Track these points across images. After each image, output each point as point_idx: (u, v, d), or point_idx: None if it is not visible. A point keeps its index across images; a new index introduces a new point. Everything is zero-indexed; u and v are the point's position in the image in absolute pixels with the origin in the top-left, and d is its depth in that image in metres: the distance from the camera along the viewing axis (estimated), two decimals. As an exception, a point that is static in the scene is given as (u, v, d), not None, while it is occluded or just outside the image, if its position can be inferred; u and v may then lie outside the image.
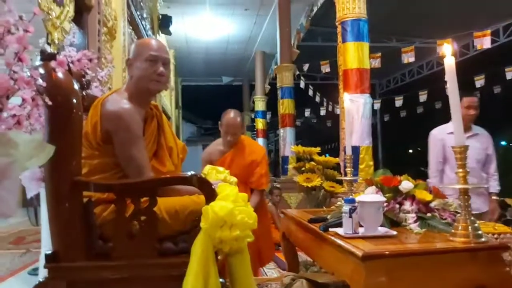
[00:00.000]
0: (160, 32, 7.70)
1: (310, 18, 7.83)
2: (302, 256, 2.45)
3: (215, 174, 1.96)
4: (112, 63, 3.73)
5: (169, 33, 7.80)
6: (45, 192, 1.31)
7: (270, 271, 3.53)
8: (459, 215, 1.31)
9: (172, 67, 10.27)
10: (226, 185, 1.43)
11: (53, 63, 1.03)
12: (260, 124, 11.32)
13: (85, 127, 1.50)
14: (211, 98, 15.03)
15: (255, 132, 12.03)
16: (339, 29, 4.47)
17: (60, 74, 1.30)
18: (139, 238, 1.34)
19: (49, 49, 1.62)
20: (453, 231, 1.29)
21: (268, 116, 12.12)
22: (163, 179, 1.44)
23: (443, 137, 2.91)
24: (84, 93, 1.84)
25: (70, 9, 2.06)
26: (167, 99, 9.53)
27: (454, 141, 1.30)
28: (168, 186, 1.45)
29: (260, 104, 11.39)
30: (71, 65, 1.34)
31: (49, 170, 1.28)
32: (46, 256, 1.28)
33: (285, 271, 2.43)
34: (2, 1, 0.99)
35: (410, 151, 19.73)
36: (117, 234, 1.35)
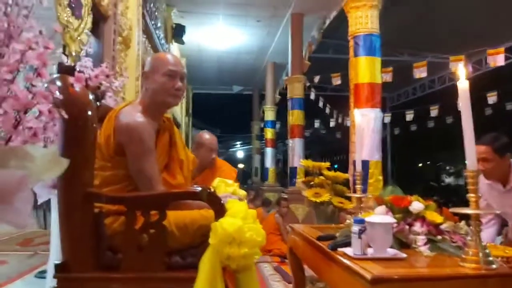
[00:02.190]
0: (173, 41, 7.79)
1: (322, 31, 7.87)
2: (308, 271, 2.43)
3: (224, 187, 1.97)
4: (126, 72, 3.79)
5: (182, 42, 7.90)
6: (57, 202, 1.33)
7: (276, 283, 3.50)
8: (469, 238, 1.30)
9: (184, 75, 10.39)
10: (235, 201, 1.44)
11: (71, 79, 1.06)
12: (269, 133, 11.35)
13: (99, 138, 1.52)
14: (221, 106, 15.10)
15: (263, 142, 12.04)
16: (351, 43, 4.48)
17: (76, 88, 1.33)
18: (148, 250, 1.35)
19: (66, 61, 1.66)
20: (463, 256, 1.27)
21: (278, 126, 12.14)
22: (173, 193, 1.46)
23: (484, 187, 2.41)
24: (98, 104, 1.88)
25: (88, 21, 2.11)
26: (178, 107, 9.60)
27: (468, 165, 1.29)
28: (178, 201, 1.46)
29: (269, 114, 11.43)
30: (89, 82, 1.36)
31: (62, 181, 1.30)
32: (56, 265, 1.29)
33: (291, 285, 2.41)
34: (24, 16, 1.02)
35: (420, 165, 19.55)
36: (127, 246, 1.36)
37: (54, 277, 1.28)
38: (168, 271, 1.35)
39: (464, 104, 1.31)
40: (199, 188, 1.36)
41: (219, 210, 1.33)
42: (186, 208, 1.48)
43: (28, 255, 4.21)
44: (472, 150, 1.30)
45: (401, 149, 14.82)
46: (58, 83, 1.29)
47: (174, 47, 8.34)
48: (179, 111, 9.93)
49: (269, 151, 11.31)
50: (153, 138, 1.54)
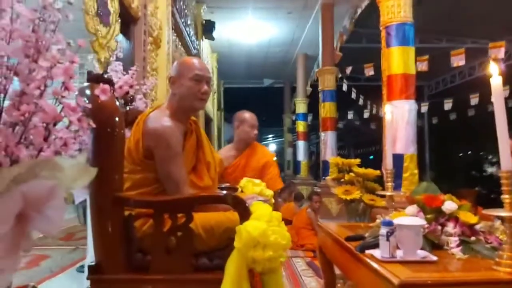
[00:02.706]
0: (203, 38, 7.86)
1: (353, 20, 7.67)
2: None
3: (251, 187, 1.98)
4: (156, 71, 3.87)
5: (212, 38, 7.95)
6: (89, 206, 1.38)
7: (308, 279, 3.50)
8: (504, 243, 1.24)
9: (214, 70, 10.48)
10: (260, 203, 1.44)
11: (96, 91, 1.09)
12: (301, 126, 11.26)
13: (128, 143, 1.57)
14: (253, 100, 15.13)
15: (295, 135, 11.97)
16: (383, 33, 4.34)
17: (104, 96, 1.37)
18: (176, 253, 1.38)
19: (96, 68, 1.71)
20: (497, 259, 1.22)
21: (309, 118, 12.03)
22: (199, 197, 1.48)
23: None
24: (127, 108, 1.94)
25: (116, 27, 2.17)
26: (209, 102, 9.72)
27: (502, 166, 1.23)
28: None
29: (301, 107, 11.33)
30: (118, 94, 1.41)
31: (92, 187, 1.35)
32: (89, 267, 1.35)
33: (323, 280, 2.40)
34: (52, 31, 1.06)
35: (460, 154, 18.78)
36: (155, 248, 1.40)
37: (87, 278, 1.34)
38: (195, 272, 1.38)
39: (498, 102, 1.24)
40: (224, 192, 1.38)
41: (244, 213, 1.34)
42: (213, 209, 1.50)
43: (70, 249, 4.41)
44: (506, 149, 1.23)
45: (440, 139, 14.29)
46: (87, 91, 1.34)
47: (205, 43, 8.41)
48: (211, 105, 10.04)
49: (301, 144, 11.23)
50: (180, 142, 1.57)
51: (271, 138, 20.37)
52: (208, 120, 9.41)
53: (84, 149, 1.23)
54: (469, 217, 1.53)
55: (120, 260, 1.36)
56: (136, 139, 1.56)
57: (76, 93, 1.15)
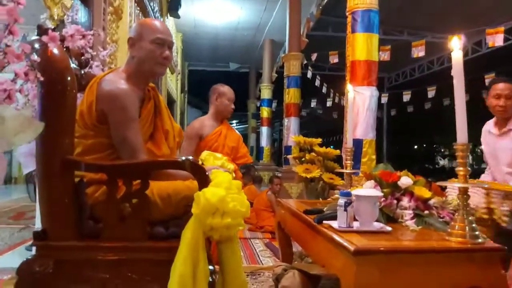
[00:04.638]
0: (168, 15, 7.62)
1: (321, 7, 7.70)
2: (297, 246, 2.44)
3: (212, 160, 1.93)
4: (117, 43, 3.70)
5: (177, 16, 7.72)
6: (36, 169, 1.29)
7: (266, 259, 3.52)
8: (457, 214, 1.28)
9: (179, 50, 10.22)
10: (219, 171, 1.41)
11: (44, 38, 1.00)
12: (265, 112, 11.28)
13: (81, 106, 1.48)
14: (218, 83, 14.94)
15: (259, 121, 11.98)
16: (349, 19, 4.37)
17: (55, 50, 1.27)
18: (130, 220, 1.33)
19: (49, 25, 1.59)
20: (449, 230, 1.26)
21: (274, 105, 12.06)
22: (155, 162, 1.42)
23: (484, 135, 2.62)
24: (82, 72, 1.82)
25: (72, -16, 2.03)
26: (173, 83, 9.49)
27: (458, 138, 1.26)
28: (161, 170, 1.43)
29: (266, 92, 11.34)
30: (70, 44, 1.30)
31: (40, 147, 1.26)
32: (35, 233, 1.27)
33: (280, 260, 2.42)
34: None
35: (416, 147, 19.60)
36: (108, 216, 1.33)
37: (32, 244, 1.26)
38: (150, 241, 1.33)
39: (457, 74, 1.27)
40: (182, 157, 1.33)
41: (203, 180, 1.30)
42: (170, 178, 1.45)
43: (20, 228, 4.22)
44: (463, 122, 1.27)
45: (397, 130, 14.81)
46: (36, 45, 1.24)
47: (170, 21, 8.16)
48: (174, 87, 9.81)
49: (264, 130, 11.27)
50: (136, 106, 1.50)
51: (235, 124, 20.29)
52: (171, 102, 9.19)
53: (30, 104, 1.14)
54: (423, 192, 1.57)
55: (68, 227, 1.28)
56: (89, 101, 1.47)
57: (23, 41, 1.06)
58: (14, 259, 2.98)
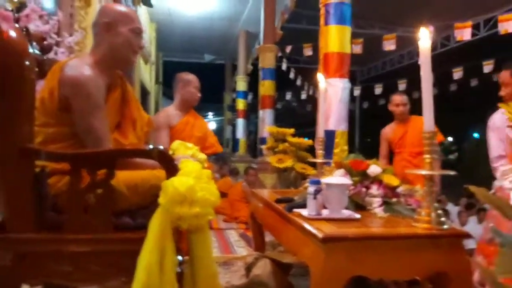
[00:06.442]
0: (141, 3, 7.41)
1: (295, 0, 7.69)
2: (271, 236, 2.44)
3: (183, 149, 1.90)
4: (86, 30, 3.57)
5: (150, 5, 7.50)
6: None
7: (240, 249, 3.52)
8: (423, 201, 1.30)
9: (153, 41, 10.00)
10: (189, 160, 1.38)
11: (-4, 16, 0.94)
12: (241, 104, 11.22)
13: (42, 92, 1.41)
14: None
15: (235, 113, 11.92)
16: (322, 11, 4.39)
17: (12, 33, 1.21)
18: (95, 211, 1.28)
19: (8, 7, 1.50)
20: (416, 216, 1.28)
21: (250, 97, 12.02)
22: (121, 150, 1.38)
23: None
24: (45, 57, 1.74)
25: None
26: (146, 74, 9.29)
27: (425, 127, 1.28)
28: (128, 159, 1.38)
29: (241, 84, 11.27)
30: (25, 24, 1.23)
31: (-4, 136, 1.19)
32: (-8, 225, 1.20)
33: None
34: None
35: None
36: (71, 206, 1.28)
37: (-12, 236, 1.20)
38: (116, 232, 1.29)
39: (425, 63, 1.28)
40: (150, 146, 1.29)
41: (171, 169, 1.27)
42: (138, 167, 1.40)
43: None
44: (430, 111, 1.28)
45: (369, 123, 15.06)
46: (-9, 27, 1.17)
47: (143, 10, 7.96)
48: (148, 78, 9.61)
49: (240, 122, 11.22)
50: (102, 93, 1.44)
51: (211, 116, 20.11)
52: (144, 93, 9.00)
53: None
54: (392, 180, 1.59)
55: (28, 218, 1.22)
56: (51, 87, 1.39)
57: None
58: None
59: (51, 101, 1.39)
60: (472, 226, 5.26)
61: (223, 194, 5.15)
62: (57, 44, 2.09)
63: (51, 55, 2.07)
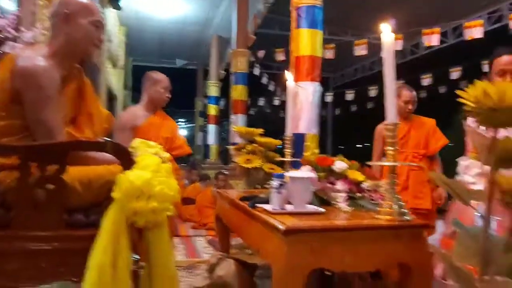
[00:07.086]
0: (108, 5, 7.26)
1: (267, 5, 7.74)
2: (238, 239, 2.39)
3: (145, 148, 1.83)
4: (46, 29, 3.44)
5: (118, 8, 7.37)
6: None
7: (207, 255, 3.45)
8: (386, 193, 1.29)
9: (122, 45, 9.80)
10: (147, 154, 1.32)
11: None
12: (212, 110, 11.11)
13: (-9, 84, 1.33)
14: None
15: (206, 119, 11.81)
16: (293, 14, 4.41)
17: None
18: (45, 207, 1.20)
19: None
20: (378, 209, 1.27)
21: (222, 103, 11.95)
22: (73, 142, 1.31)
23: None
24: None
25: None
26: (114, 78, 9.08)
27: (387, 119, 1.28)
28: (81, 153, 1.31)
29: (213, 90, 11.18)
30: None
31: None
32: None
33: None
34: None
35: (358, 145, 20.38)
36: (20, 203, 1.20)
37: None
38: (68, 229, 1.22)
39: (388, 58, 1.28)
40: (104, 138, 1.23)
41: (126, 162, 1.21)
42: (92, 162, 1.34)
43: None
44: (392, 103, 1.28)
45: (341, 129, 15.31)
46: None
47: (111, 13, 7.79)
48: (116, 83, 9.40)
49: (211, 128, 11.11)
50: (55, 85, 1.37)
51: (182, 123, 19.88)
52: (111, 97, 8.77)
53: None
54: (357, 175, 1.59)
55: (-28, 216, 1.14)
56: (2, 79, 1.32)
57: None
58: None
59: (2, 92, 1.31)
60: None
61: (192, 201, 5.06)
62: (15, 39, 2.00)
63: (6, 48, 1.98)
